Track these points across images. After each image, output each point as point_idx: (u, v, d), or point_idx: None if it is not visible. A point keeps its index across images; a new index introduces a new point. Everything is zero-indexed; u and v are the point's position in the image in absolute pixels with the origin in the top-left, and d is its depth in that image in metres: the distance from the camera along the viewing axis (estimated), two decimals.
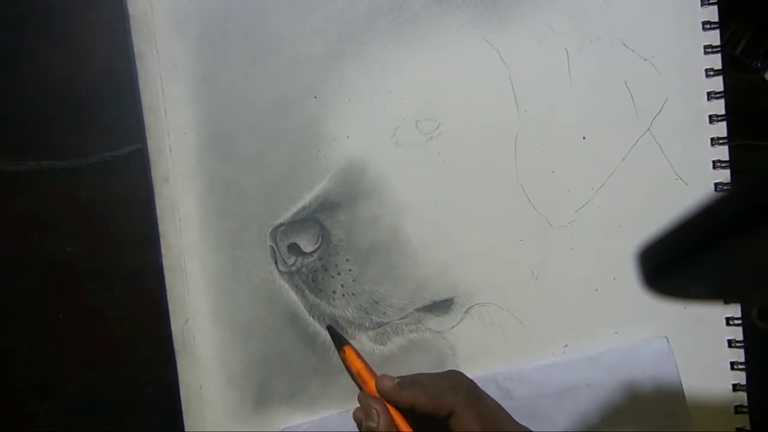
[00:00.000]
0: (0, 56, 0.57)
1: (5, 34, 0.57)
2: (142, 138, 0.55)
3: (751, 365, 0.53)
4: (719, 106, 0.53)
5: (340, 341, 0.54)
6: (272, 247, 0.56)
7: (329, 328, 0.55)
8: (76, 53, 0.57)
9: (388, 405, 0.48)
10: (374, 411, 0.47)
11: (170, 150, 0.55)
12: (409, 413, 0.48)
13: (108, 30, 0.56)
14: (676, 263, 0.24)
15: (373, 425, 0.47)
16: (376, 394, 0.50)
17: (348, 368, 0.54)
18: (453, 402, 0.46)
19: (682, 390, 0.54)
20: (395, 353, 0.56)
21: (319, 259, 0.55)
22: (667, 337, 0.54)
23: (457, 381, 0.48)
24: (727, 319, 0.54)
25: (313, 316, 0.56)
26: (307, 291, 0.56)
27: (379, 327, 0.55)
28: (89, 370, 0.58)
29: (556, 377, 0.54)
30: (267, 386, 0.56)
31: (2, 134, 0.58)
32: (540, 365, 0.55)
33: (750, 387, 0.53)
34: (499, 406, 0.50)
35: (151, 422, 0.58)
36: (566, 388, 0.54)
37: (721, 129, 0.53)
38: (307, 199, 0.55)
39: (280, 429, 0.56)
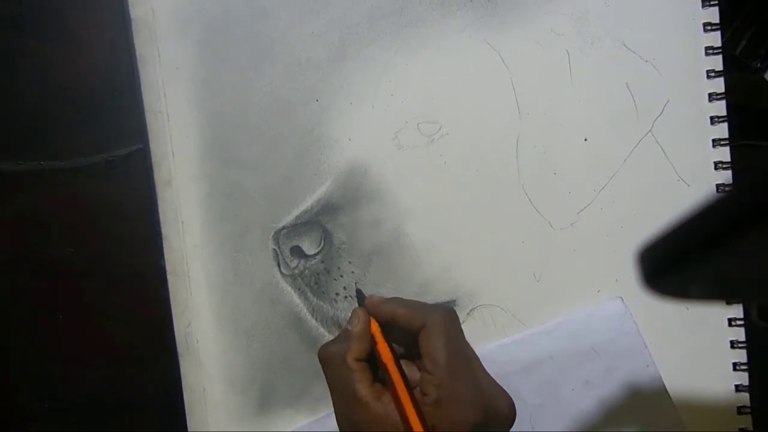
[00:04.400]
0: (1, 57, 0.57)
1: (6, 35, 0.57)
2: (144, 139, 0.56)
3: (753, 366, 0.53)
4: (720, 108, 0.53)
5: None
6: (275, 250, 0.56)
7: (358, 291, 0.55)
8: (77, 55, 0.57)
9: (377, 329, 0.48)
10: (356, 317, 0.49)
11: (172, 153, 0.56)
12: (389, 329, 0.48)
13: (109, 32, 0.57)
14: (676, 263, 0.24)
15: (350, 327, 0.48)
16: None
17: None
18: (427, 317, 0.46)
19: (645, 345, 0.54)
20: None
21: (322, 261, 0.56)
22: (621, 298, 0.54)
23: (442, 306, 0.49)
24: (730, 320, 0.53)
25: (315, 319, 0.56)
26: (309, 294, 0.56)
27: None
28: (89, 371, 0.59)
29: (519, 354, 0.55)
30: (270, 389, 0.56)
31: (2, 134, 0.58)
32: (501, 344, 0.55)
33: (752, 388, 0.53)
34: (475, 353, 0.50)
35: (152, 424, 0.58)
36: (531, 363, 0.54)
37: (722, 130, 0.53)
38: (309, 202, 0.55)
39: None
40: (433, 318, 0.46)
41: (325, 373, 0.48)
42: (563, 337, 0.54)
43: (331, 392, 0.48)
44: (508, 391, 0.49)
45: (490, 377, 0.49)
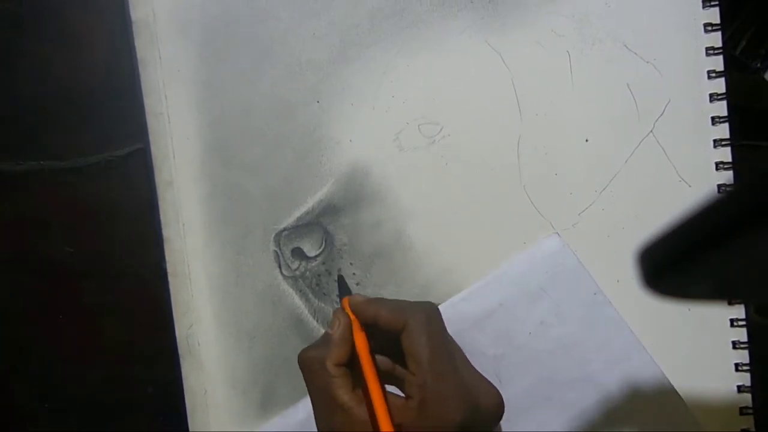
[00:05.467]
0: (1, 57, 0.57)
1: (7, 35, 0.57)
2: (144, 140, 0.56)
3: (755, 366, 0.53)
4: (721, 108, 0.53)
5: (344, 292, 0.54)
6: (276, 251, 0.56)
7: (339, 278, 0.55)
8: (78, 56, 0.57)
9: (355, 322, 0.48)
10: (336, 321, 0.48)
11: (174, 155, 0.56)
12: (373, 330, 0.48)
13: (109, 33, 0.57)
14: (676, 263, 0.24)
15: (330, 332, 0.48)
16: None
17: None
18: (408, 316, 0.46)
19: (589, 275, 0.54)
20: None
21: (323, 263, 0.56)
22: (558, 233, 0.55)
23: (423, 304, 0.48)
24: (732, 321, 0.53)
25: (317, 320, 0.56)
26: (311, 295, 0.56)
27: None
28: (89, 372, 0.59)
29: (470, 308, 0.54)
30: (272, 390, 0.56)
31: (2, 134, 0.58)
32: (449, 303, 0.55)
33: (755, 388, 0.53)
34: (459, 348, 0.50)
35: (154, 426, 0.58)
36: (482, 315, 0.54)
37: (723, 130, 0.53)
38: (310, 203, 0.56)
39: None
40: (414, 317, 0.46)
41: (304, 378, 0.48)
42: (509, 282, 0.54)
43: (310, 398, 0.48)
44: (466, 348, 0.49)
45: (477, 373, 0.49)
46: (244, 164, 0.56)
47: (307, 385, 0.48)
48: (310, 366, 0.47)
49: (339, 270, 0.55)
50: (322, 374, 0.46)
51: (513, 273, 0.54)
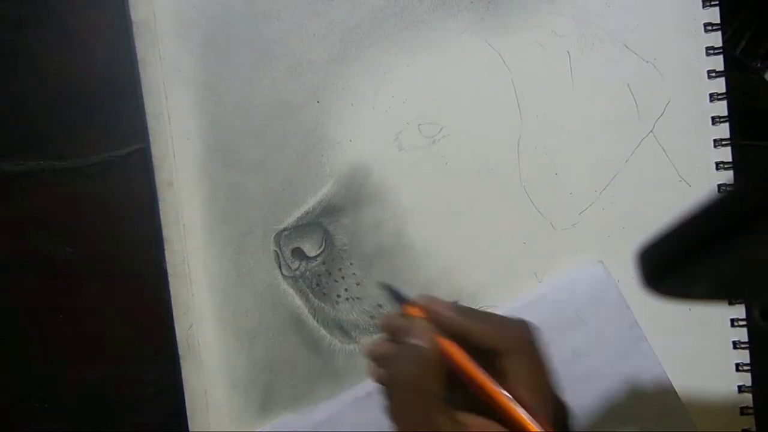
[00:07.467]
0: (1, 57, 0.57)
1: (7, 35, 0.57)
2: (144, 139, 0.56)
3: (756, 366, 0.53)
4: (722, 108, 0.53)
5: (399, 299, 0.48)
6: (276, 251, 0.56)
7: (387, 287, 0.51)
8: (78, 56, 0.57)
9: (434, 328, 0.41)
10: (421, 331, 0.41)
11: (174, 156, 0.56)
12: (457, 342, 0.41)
13: (110, 34, 0.57)
14: (677, 263, 0.24)
15: (419, 343, 0.40)
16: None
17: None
18: (510, 338, 0.40)
19: (628, 307, 0.54)
20: None
21: (323, 263, 0.56)
22: (602, 261, 0.54)
23: (521, 323, 0.42)
24: (732, 321, 0.53)
25: (317, 321, 0.56)
26: (311, 295, 0.56)
27: None
28: (89, 372, 0.59)
29: None
30: (272, 391, 0.56)
31: (2, 134, 0.58)
32: None
33: (755, 388, 0.53)
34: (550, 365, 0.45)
35: (154, 426, 0.58)
36: None
37: (723, 130, 0.53)
38: (310, 203, 0.55)
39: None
40: (519, 341, 0.41)
41: (397, 398, 0.41)
42: (547, 305, 0.54)
43: (395, 420, 0.41)
44: None
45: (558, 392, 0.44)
46: (244, 164, 0.56)
47: (396, 405, 0.41)
48: (407, 387, 0.40)
49: (385, 283, 0.52)
50: (421, 396, 0.40)
51: (552, 296, 0.54)
